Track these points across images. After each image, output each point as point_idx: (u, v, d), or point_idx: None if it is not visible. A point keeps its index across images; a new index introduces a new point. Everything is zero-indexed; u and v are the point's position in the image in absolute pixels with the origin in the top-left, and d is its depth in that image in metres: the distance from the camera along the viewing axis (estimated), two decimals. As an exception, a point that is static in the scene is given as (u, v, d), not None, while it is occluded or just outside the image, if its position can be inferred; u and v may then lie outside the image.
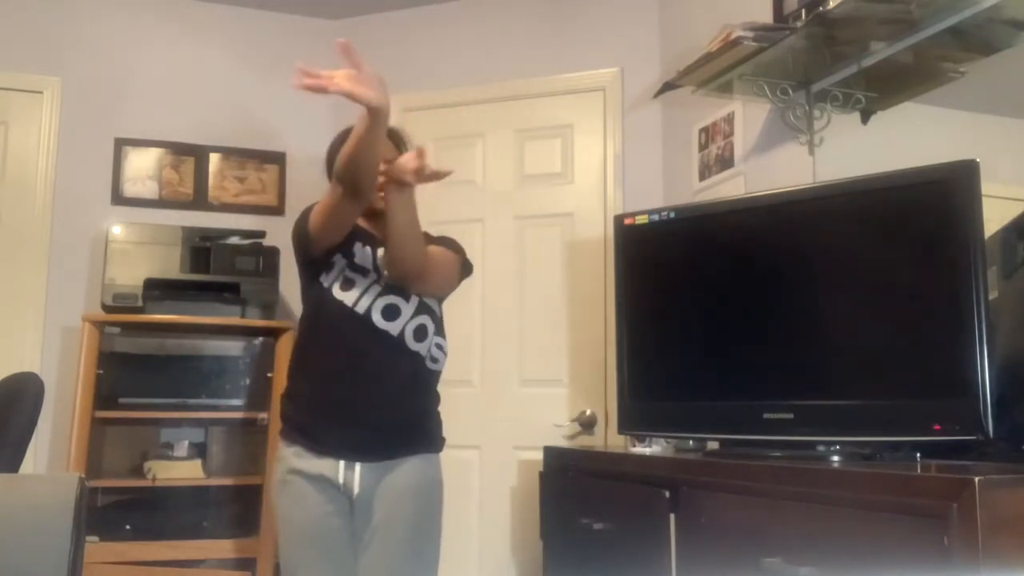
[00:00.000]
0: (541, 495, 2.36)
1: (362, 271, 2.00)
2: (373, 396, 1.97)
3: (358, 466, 1.95)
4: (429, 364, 2.05)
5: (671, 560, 1.75)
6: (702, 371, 1.98)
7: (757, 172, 2.55)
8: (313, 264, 2.02)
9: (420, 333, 2.01)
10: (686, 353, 2.03)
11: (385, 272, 1.99)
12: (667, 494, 1.78)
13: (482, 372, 3.22)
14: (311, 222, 1.96)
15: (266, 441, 3.03)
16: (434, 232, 2.21)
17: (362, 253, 2.02)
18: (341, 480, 1.94)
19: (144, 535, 2.93)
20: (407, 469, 2.00)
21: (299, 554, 1.96)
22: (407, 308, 2.00)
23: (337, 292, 1.98)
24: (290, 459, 1.97)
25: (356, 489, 1.95)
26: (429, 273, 2.01)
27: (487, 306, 3.24)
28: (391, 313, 1.98)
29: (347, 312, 1.97)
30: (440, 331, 2.09)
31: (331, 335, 2.00)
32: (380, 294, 1.99)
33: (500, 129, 3.34)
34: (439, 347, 2.08)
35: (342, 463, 1.95)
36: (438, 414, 2.13)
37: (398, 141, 2.11)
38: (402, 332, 1.98)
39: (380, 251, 2.02)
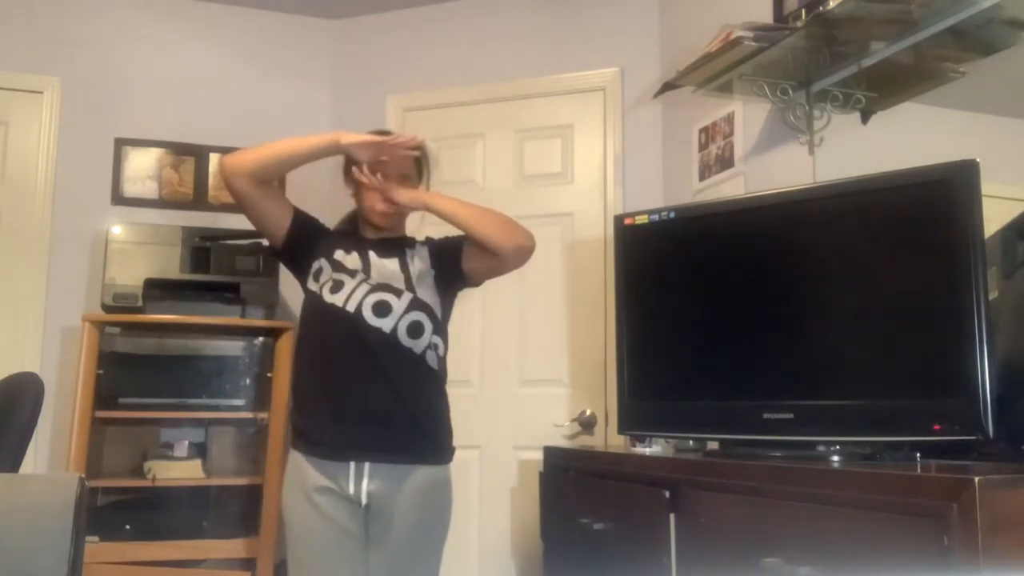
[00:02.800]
0: (541, 495, 2.36)
1: (349, 272, 2.03)
2: (373, 392, 1.97)
3: (367, 468, 1.95)
4: (430, 362, 2.05)
5: (671, 560, 1.75)
6: (702, 371, 1.98)
7: (757, 172, 2.55)
8: (292, 263, 2.10)
9: (415, 329, 2.01)
10: (686, 353, 2.03)
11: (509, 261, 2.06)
12: (667, 494, 1.78)
13: (482, 372, 3.22)
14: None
15: (266, 441, 3.03)
16: (434, 234, 2.22)
17: (349, 257, 2.05)
18: (351, 489, 1.95)
19: (144, 535, 2.93)
20: (418, 477, 2.00)
21: (311, 561, 1.96)
22: (399, 304, 2.00)
23: (327, 296, 2.01)
24: (307, 472, 1.97)
25: (365, 498, 1.96)
26: (527, 236, 2.09)
27: (487, 306, 3.24)
28: (382, 310, 1.99)
29: (338, 312, 1.99)
30: (439, 331, 2.08)
31: (325, 338, 2.02)
32: (369, 292, 2.00)
33: (500, 129, 3.34)
34: (435, 348, 2.06)
35: (352, 465, 1.95)
36: (448, 421, 2.11)
37: (421, 158, 2.15)
38: (395, 328, 1.99)
39: (371, 253, 2.06)
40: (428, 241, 2.18)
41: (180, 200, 3.45)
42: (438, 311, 2.08)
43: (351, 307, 1.98)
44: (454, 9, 3.49)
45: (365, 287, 2.01)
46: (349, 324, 1.98)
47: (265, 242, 3.19)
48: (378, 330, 1.98)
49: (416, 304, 2.02)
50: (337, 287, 2.01)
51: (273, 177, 2.06)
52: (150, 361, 3.09)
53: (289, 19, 3.66)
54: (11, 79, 3.32)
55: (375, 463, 1.96)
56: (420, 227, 2.31)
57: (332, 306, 1.99)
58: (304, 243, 2.06)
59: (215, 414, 3.13)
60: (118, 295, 3.04)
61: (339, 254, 2.05)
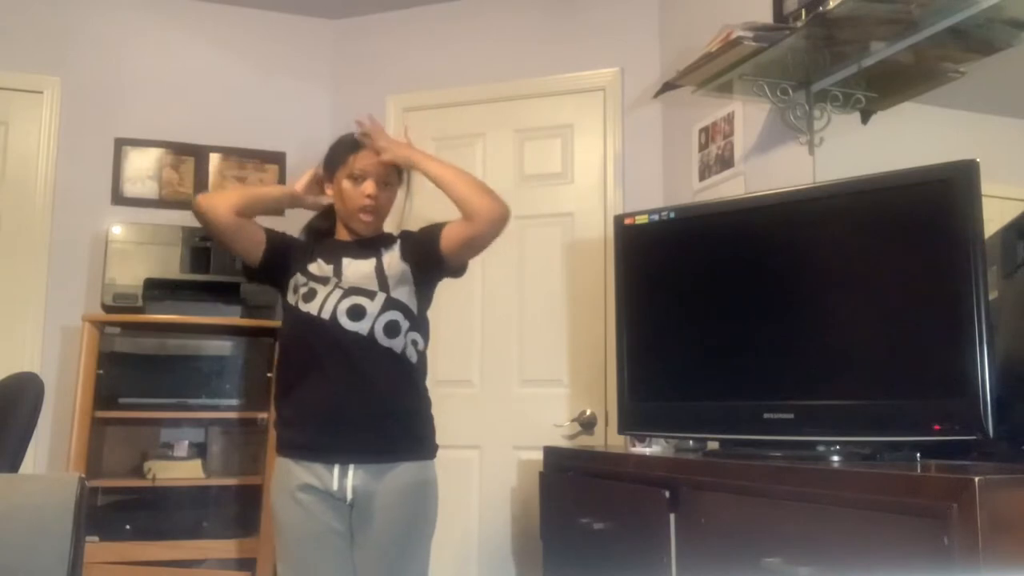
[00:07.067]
0: (541, 495, 2.36)
1: (321, 280, 2.04)
2: (357, 397, 1.99)
3: (351, 469, 1.97)
4: (410, 358, 2.05)
5: (671, 560, 1.75)
6: (702, 371, 1.98)
7: (757, 172, 2.55)
8: (268, 281, 2.19)
9: (392, 329, 2.01)
10: (686, 353, 2.03)
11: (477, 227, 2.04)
12: (667, 494, 1.78)
13: (482, 372, 3.22)
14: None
15: (266, 441, 3.03)
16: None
17: (320, 264, 2.06)
18: (335, 486, 1.96)
19: (144, 535, 2.93)
20: (401, 473, 2.01)
21: (302, 559, 1.98)
22: (372, 306, 2.01)
23: (302, 306, 2.02)
24: (294, 472, 1.99)
25: (350, 494, 1.97)
26: (502, 203, 2.08)
27: (487, 306, 3.24)
28: (356, 313, 1.99)
29: (315, 321, 2.00)
30: (417, 327, 2.07)
31: (304, 348, 2.02)
32: (342, 297, 2.01)
33: (500, 129, 3.34)
34: (414, 344, 2.06)
35: (336, 468, 1.97)
36: (431, 417, 2.11)
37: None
38: (371, 330, 1.99)
39: (345, 259, 2.06)
40: (402, 234, 2.18)
41: (180, 200, 3.44)
42: (414, 308, 2.07)
43: (326, 314, 1.99)
44: (454, 9, 3.49)
45: (338, 292, 2.01)
46: (326, 331, 1.99)
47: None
48: (355, 334, 1.98)
49: (390, 304, 2.02)
50: (310, 296, 2.02)
51: (251, 215, 2.09)
52: (150, 361, 3.09)
53: (289, 19, 3.66)
54: (11, 79, 3.32)
55: (360, 465, 1.98)
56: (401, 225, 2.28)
57: (307, 315, 2.01)
58: (280, 262, 2.10)
59: (215, 414, 3.12)
60: (118, 295, 3.04)
61: (313, 265, 2.06)
